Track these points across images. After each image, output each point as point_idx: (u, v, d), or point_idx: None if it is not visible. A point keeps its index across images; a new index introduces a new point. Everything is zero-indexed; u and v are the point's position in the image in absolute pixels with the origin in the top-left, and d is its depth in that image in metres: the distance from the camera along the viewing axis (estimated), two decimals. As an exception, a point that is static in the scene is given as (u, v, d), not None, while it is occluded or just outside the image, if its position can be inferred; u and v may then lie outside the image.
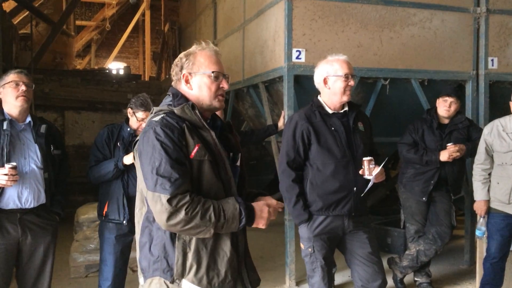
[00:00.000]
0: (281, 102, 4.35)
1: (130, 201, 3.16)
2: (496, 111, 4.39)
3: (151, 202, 1.63)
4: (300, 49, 4.08)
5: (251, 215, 1.69)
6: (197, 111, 1.75)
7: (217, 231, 1.65)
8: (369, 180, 2.60)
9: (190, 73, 1.80)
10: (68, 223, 5.25)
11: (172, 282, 1.67)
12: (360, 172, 2.59)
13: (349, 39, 4.24)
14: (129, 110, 3.22)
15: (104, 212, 3.18)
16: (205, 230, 1.62)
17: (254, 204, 1.74)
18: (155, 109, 1.82)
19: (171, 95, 1.83)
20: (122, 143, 3.18)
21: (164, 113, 1.73)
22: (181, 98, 1.79)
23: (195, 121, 1.73)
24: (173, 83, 1.88)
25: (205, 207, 1.60)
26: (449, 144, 3.71)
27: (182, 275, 1.67)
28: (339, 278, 4.35)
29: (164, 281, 1.68)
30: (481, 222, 3.51)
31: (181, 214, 1.57)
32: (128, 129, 3.22)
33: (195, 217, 1.58)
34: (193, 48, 1.85)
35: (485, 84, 4.65)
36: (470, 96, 4.67)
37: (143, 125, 3.15)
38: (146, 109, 3.18)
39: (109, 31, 15.27)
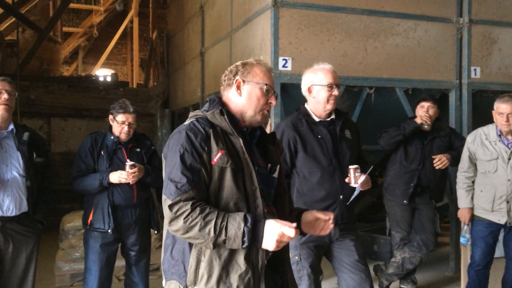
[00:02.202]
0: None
1: (115, 210, 3.16)
2: (479, 119, 4.46)
3: (163, 204, 1.65)
4: (286, 58, 4.12)
5: (257, 237, 1.60)
6: (225, 117, 1.74)
7: (220, 246, 1.62)
8: (355, 188, 2.62)
9: (243, 80, 1.82)
10: (53, 231, 5.20)
11: None
12: (346, 180, 2.61)
13: (335, 48, 4.29)
14: (110, 117, 3.23)
15: (89, 221, 3.16)
16: (204, 242, 1.60)
17: (268, 224, 1.60)
18: (190, 114, 1.84)
19: (209, 101, 1.85)
20: (106, 151, 3.17)
21: (195, 118, 1.75)
22: (216, 104, 1.81)
23: (225, 127, 1.74)
24: (221, 88, 1.89)
25: (206, 220, 1.57)
26: (435, 156, 3.78)
27: (195, 282, 1.66)
28: (326, 286, 4.35)
29: (180, 286, 1.69)
30: (465, 229, 3.55)
31: (180, 222, 1.58)
32: (112, 137, 3.21)
33: (193, 228, 1.57)
34: (251, 60, 1.89)
35: (468, 93, 4.73)
36: (453, 105, 4.74)
37: (125, 128, 3.18)
38: (126, 111, 3.18)
39: (97, 37, 15.19)
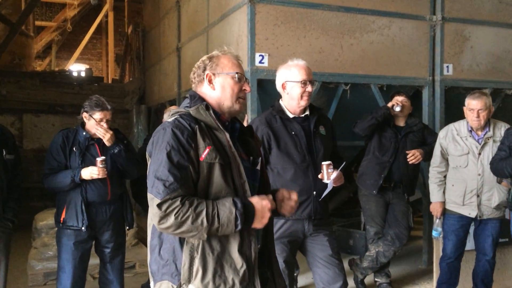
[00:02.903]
0: (244, 106, 4.36)
1: (89, 206, 3.11)
2: (451, 115, 4.55)
3: (149, 203, 1.62)
4: (263, 54, 4.11)
5: (249, 218, 1.64)
6: (211, 112, 1.74)
7: (212, 235, 1.62)
8: (328, 184, 2.64)
9: (214, 74, 1.82)
10: (26, 230, 5.10)
11: (179, 286, 1.65)
12: (319, 176, 2.63)
13: (311, 45, 4.31)
14: (85, 115, 3.16)
15: (61, 219, 3.11)
16: (197, 234, 1.59)
17: (257, 203, 1.67)
18: (172, 111, 1.81)
19: (189, 97, 1.84)
20: (78, 147, 3.12)
21: (179, 115, 1.73)
22: (198, 100, 1.80)
23: (210, 122, 1.73)
24: (193, 86, 1.88)
25: (197, 211, 1.57)
26: (409, 151, 3.85)
27: (189, 280, 1.64)
28: (302, 281, 4.39)
29: (172, 286, 1.67)
30: (437, 223, 3.63)
31: (171, 219, 1.56)
32: (84, 133, 3.16)
33: (185, 222, 1.56)
34: (216, 52, 1.88)
35: (440, 90, 4.82)
36: (426, 101, 4.83)
37: (104, 126, 3.13)
38: (103, 108, 3.14)
39: (71, 32, 14.88)
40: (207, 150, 1.66)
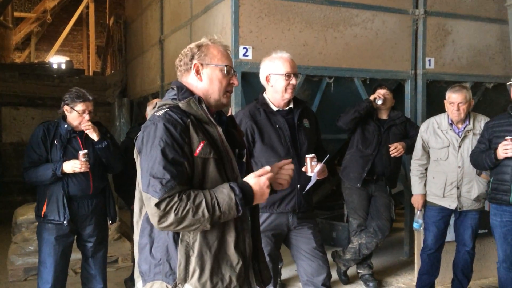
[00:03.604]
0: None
1: (71, 200, 3.07)
2: (433, 109, 4.61)
3: (145, 202, 1.57)
4: (247, 46, 4.10)
5: (249, 199, 1.60)
6: (203, 105, 1.67)
7: (215, 223, 1.58)
8: (312, 177, 2.64)
9: (202, 64, 1.74)
10: (6, 225, 5.02)
11: (175, 286, 1.60)
12: (303, 169, 2.63)
13: (295, 38, 4.30)
14: (66, 108, 3.10)
15: (42, 213, 3.05)
16: (200, 226, 1.54)
17: (255, 183, 1.62)
18: (158, 103, 1.72)
19: (175, 88, 1.75)
20: (59, 140, 3.06)
21: (168, 108, 1.64)
22: (186, 92, 1.72)
23: (201, 116, 1.66)
24: (178, 75, 1.80)
25: (196, 203, 1.52)
26: (391, 144, 3.89)
27: (185, 279, 1.60)
28: (286, 273, 4.42)
29: (166, 285, 1.61)
30: (418, 215, 3.68)
31: (171, 216, 1.50)
32: (66, 126, 3.10)
33: (186, 216, 1.51)
34: (204, 40, 1.79)
35: (422, 83, 4.87)
36: (408, 95, 4.88)
37: (86, 117, 3.08)
38: (84, 99, 3.09)
39: (51, 23, 14.57)
40: (201, 145, 1.60)
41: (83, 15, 14.95)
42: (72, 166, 2.97)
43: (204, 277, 1.61)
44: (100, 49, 11.81)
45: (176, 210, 1.50)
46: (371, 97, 3.96)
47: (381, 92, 3.96)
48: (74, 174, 3.04)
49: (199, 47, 1.77)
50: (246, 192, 1.60)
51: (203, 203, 1.53)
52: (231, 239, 1.66)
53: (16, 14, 13.07)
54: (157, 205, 1.50)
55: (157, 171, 1.53)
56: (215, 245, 1.63)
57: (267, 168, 1.68)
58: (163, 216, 1.50)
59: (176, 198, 1.51)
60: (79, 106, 3.07)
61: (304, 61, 4.28)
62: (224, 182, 1.63)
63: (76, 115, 3.08)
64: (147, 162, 1.57)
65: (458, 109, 3.38)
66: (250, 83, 4.15)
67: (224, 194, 1.56)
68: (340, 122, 3.98)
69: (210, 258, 1.62)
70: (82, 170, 2.98)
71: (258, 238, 1.88)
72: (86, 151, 3.00)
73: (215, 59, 1.76)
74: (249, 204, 1.63)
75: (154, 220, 1.53)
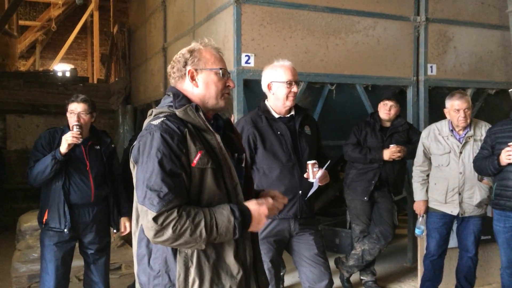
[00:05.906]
0: (231, 106, 4.37)
1: (72, 208, 3.09)
2: (435, 115, 4.62)
3: (141, 214, 1.53)
4: (249, 54, 4.12)
5: (246, 224, 1.59)
6: (201, 113, 1.64)
7: (210, 244, 1.58)
8: (313, 183, 2.66)
9: (196, 69, 1.71)
10: (10, 232, 5.04)
11: None
12: (305, 175, 2.65)
13: (297, 45, 4.33)
14: (67, 110, 3.17)
15: (44, 220, 3.09)
16: (196, 245, 1.53)
17: (254, 210, 1.62)
18: (154, 111, 1.69)
19: (171, 95, 1.70)
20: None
21: (164, 116, 1.61)
22: (182, 99, 1.68)
23: (199, 124, 1.63)
24: (172, 82, 1.76)
25: (195, 222, 1.49)
26: (391, 145, 3.88)
27: None
28: (288, 280, 4.41)
29: None
30: (420, 221, 3.68)
31: (168, 232, 1.47)
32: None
33: (183, 234, 1.48)
34: (196, 44, 1.76)
35: (424, 90, 4.88)
36: (411, 101, 4.89)
37: (73, 117, 3.10)
38: (74, 100, 3.14)
39: (55, 31, 14.69)
40: (198, 155, 1.57)
41: (87, 23, 15.05)
42: (64, 141, 2.96)
43: (204, 287, 1.59)
44: (104, 57, 11.88)
45: (175, 227, 1.47)
46: (386, 157, 3.87)
47: (388, 104, 3.95)
48: (76, 183, 3.07)
49: (191, 52, 1.74)
50: (245, 217, 1.59)
51: (202, 223, 1.50)
52: (230, 248, 1.64)
53: (21, 22, 13.20)
54: (155, 219, 1.47)
55: (154, 183, 1.49)
56: (213, 255, 1.61)
57: (271, 201, 1.69)
58: (159, 231, 1.47)
59: (175, 214, 1.48)
60: (70, 106, 3.14)
61: (306, 68, 4.30)
62: (222, 192, 1.61)
63: (68, 116, 3.14)
64: (143, 173, 1.53)
65: (465, 115, 3.39)
66: (252, 90, 4.18)
67: (224, 216, 1.54)
68: (346, 155, 4.06)
69: (209, 269, 1.60)
70: (74, 142, 2.96)
71: (255, 244, 1.87)
72: (78, 123, 3.03)
73: (209, 63, 1.73)
74: (245, 228, 1.61)
75: (149, 234, 1.50)
